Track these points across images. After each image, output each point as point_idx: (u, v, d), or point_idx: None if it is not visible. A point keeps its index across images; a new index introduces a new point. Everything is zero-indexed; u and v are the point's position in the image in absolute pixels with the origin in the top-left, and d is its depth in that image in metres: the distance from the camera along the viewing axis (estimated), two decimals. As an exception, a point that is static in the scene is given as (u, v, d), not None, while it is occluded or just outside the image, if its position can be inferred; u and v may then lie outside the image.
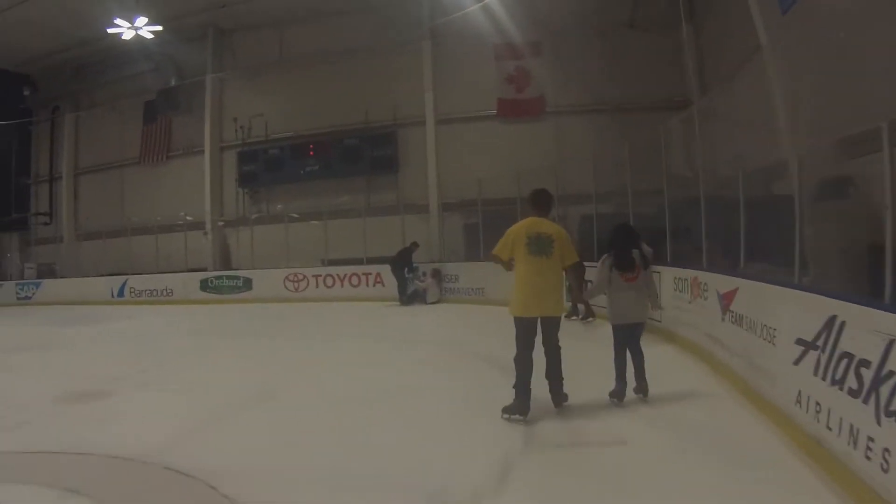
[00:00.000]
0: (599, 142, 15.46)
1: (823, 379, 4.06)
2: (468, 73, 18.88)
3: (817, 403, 4.16)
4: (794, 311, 4.77)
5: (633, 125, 14.64)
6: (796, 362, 4.51)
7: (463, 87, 18.96)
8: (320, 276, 18.34)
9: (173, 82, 22.31)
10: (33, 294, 23.40)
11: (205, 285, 19.82)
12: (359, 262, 18.25)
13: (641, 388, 5.80)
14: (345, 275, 18.05)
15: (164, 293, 20.52)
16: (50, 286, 23.32)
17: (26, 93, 25.94)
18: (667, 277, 8.96)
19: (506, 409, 5.31)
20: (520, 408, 5.28)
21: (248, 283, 19.27)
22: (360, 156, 19.54)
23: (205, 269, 20.82)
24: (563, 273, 5.62)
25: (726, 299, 6.53)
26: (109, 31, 18.18)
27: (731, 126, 10.49)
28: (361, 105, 19.77)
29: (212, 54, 21.80)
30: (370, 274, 17.73)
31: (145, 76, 22.96)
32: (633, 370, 5.76)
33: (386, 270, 16.63)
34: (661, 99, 16.86)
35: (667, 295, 8.75)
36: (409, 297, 16.11)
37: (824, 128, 7.98)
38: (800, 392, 4.47)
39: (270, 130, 21.15)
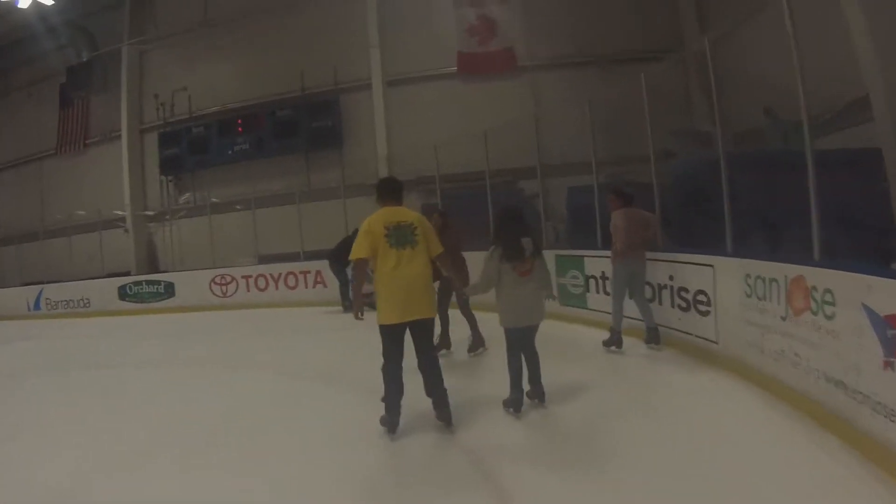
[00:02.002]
0: (583, 99, 12.57)
1: None
2: (421, 24, 15.68)
3: None
4: None
5: (622, 78, 11.61)
6: None
7: (416, 41, 15.80)
8: (251, 276, 15.26)
9: (85, 57, 19.10)
10: (-55, 309, 20.44)
11: (123, 293, 16.79)
12: (296, 257, 15.15)
13: (537, 392, 5.37)
14: (279, 274, 14.95)
15: (82, 303, 17.52)
16: (-38, 299, 20.38)
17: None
18: (730, 272, 5.88)
19: (383, 420, 4.93)
20: (391, 423, 4.88)
21: (170, 289, 16.22)
22: (296, 129, 16.40)
23: (128, 273, 17.78)
24: (431, 266, 5.00)
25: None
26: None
27: (767, 60, 7.58)
28: (296, 69, 16.69)
29: (129, 23, 18.74)
30: (309, 272, 14.64)
31: (60, 54, 19.89)
32: (527, 374, 5.31)
33: (327, 267, 13.46)
34: (655, 48, 13.73)
35: (731, 300, 5.83)
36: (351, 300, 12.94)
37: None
38: None
39: (195, 106, 18.01)
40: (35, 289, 18.56)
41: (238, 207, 16.70)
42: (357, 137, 16.27)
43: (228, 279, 15.42)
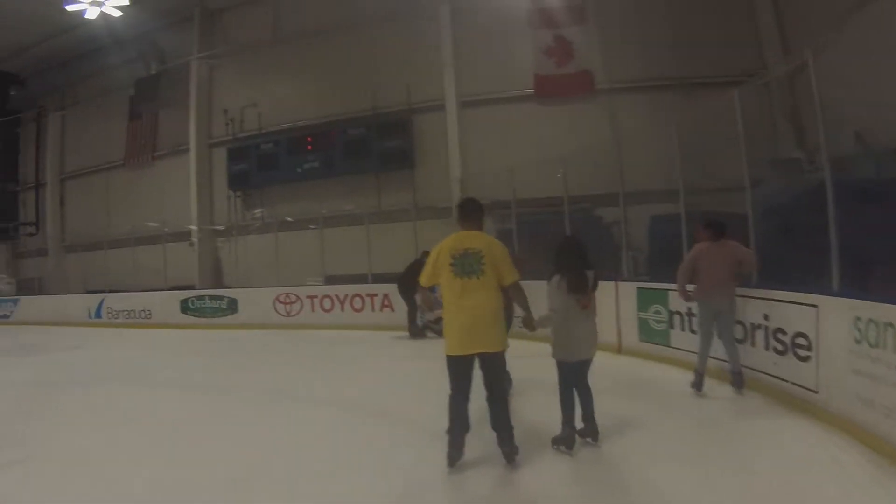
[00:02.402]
0: (662, 124, 12.04)
1: None
2: (497, 44, 15.21)
3: None
4: None
5: (702, 103, 11.15)
6: None
7: (491, 61, 15.33)
8: (316, 296, 14.88)
9: (153, 70, 19.22)
10: (11, 313, 20.63)
11: (185, 307, 16.60)
12: (363, 279, 14.76)
13: (590, 430, 5.10)
14: (346, 296, 14.54)
15: (143, 315, 17.41)
16: (28, 304, 20.60)
17: (12, 92, 23.47)
18: (836, 313, 5.21)
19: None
20: (450, 457, 4.62)
21: (232, 305, 15.97)
22: (367, 149, 16.07)
23: (192, 287, 17.63)
24: (502, 296, 4.78)
25: None
26: (68, 7, 15.14)
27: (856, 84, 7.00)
28: (368, 87, 16.40)
29: (198, 37, 18.80)
30: (376, 295, 14.20)
31: (130, 67, 20.11)
32: (580, 411, 5.06)
33: (395, 291, 13.01)
34: (737, 72, 12.88)
35: (836, 345, 5.17)
36: (419, 326, 12.50)
37: None
38: None
39: (264, 123, 17.89)
40: (97, 297, 18.57)
41: (311, 227, 16.38)
42: (429, 159, 15.88)
43: (293, 298, 15.10)
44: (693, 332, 7.64)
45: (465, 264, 4.65)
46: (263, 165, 17.29)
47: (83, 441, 5.92)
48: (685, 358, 7.79)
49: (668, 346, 8.40)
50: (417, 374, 8.61)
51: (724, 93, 10.89)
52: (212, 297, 16.34)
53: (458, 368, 4.64)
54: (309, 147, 16.73)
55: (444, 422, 4.69)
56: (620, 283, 9.54)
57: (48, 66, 22.03)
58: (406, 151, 15.85)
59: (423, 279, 4.85)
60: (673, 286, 7.99)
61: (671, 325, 8.36)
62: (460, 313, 4.62)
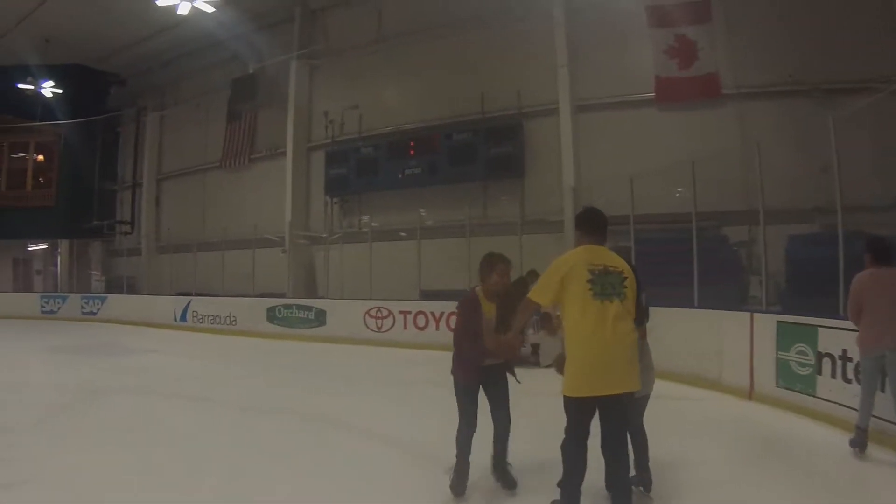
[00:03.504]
0: (795, 133, 11.04)
1: None
2: (614, 45, 13.66)
3: None
4: None
5: (838, 110, 9.36)
6: None
7: (607, 63, 13.76)
8: (409, 312, 13.59)
9: (251, 70, 18.66)
10: (98, 310, 20.52)
11: (272, 315, 15.70)
12: (461, 296, 13.35)
13: (644, 479, 4.46)
14: (441, 313, 13.14)
15: (228, 321, 16.68)
16: (115, 303, 20.54)
17: (113, 92, 23.70)
18: None
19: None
20: None
21: (321, 317, 14.92)
22: (473, 155, 14.77)
23: (282, 295, 16.74)
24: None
25: None
26: (158, 2, 14.58)
27: None
28: (476, 90, 15.14)
29: (298, 37, 18.06)
30: (476, 314, 12.75)
31: (229, 68, 19.68)
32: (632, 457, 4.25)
33: (495, 311, 11.48)
34: (878, 77, 10.94)
35: None
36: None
37: None
38: None
39: (365, 126, 16.93)
40: (184, 300, 18.05)
41: (403, 235, 15.26)
42: (540, 167, 14.42)
43: (385, 313, 13.88)
44: (847, 380, 6.20)
45: (607, 284, 3.82)
46: (363, 171, 16.28)
47: (82, 463, 5.27)
48: (834, 412, 6.32)
49: (813, 396, 6.72)
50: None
51: (864, 98, 9.31)
52: (299, 307, 15.37)
53: (587, 412, 3.83)
54: (412, 152, 15.60)
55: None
56: (757, 316, 7.93)
57: (149, 66, 22.10)
58: (515, 158, 14.45)
59: (544, 296, 3.93)
60: (825, 322, 6.60)
61: (818, 370, 6.66)
62: (597, 345, 3.75)
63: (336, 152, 17.08)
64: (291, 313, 15.42)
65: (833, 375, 6.42)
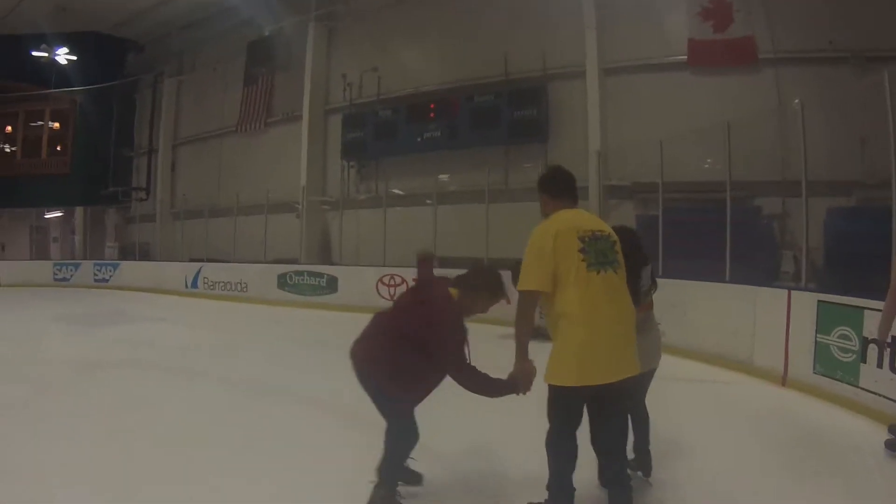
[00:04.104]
0: (834, 102, 10.21)
1: None
2: (645, 5, 12.84)
3: None
4: None
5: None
6: None
7: (638, 24, 12.93)
8: (422, 280, 12.99)
9: (267, 33, 18.09)
10: (110, 277, 20.19)
11: (283, 282, 15.21)
12: (478, 264, 12.72)
13: (643, 462, 4.01)
14: (455, 281, 12.54)
15: (239, 287, 16.25)
16: (128, 269, 20.23)
17: (130, 58, 23.29)
18: None
19: None
20: None
21: (332, 284, 14.40)
22: (496, 118, 14.07)
23: (295, 261, 16.22)
24: None
25: None
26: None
27: None
28: (499, 52, 14.39)
29: (315, -2, 17.37)
30: (492, 283, 12.12)
31: (247, 32, 19.11)
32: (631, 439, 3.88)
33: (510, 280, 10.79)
34: None
35: None
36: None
37: None
38: None
39: (384, 89, 16.28)
40: (195, 266, 17.65)
41: (428, 202, 14.57)
42: (564, 132, 13.67)
43: (398, 280, 13.30)
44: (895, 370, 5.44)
45: (600, 252, 3.22)
46: (381, 134, 15.67)
47: (45, 455, 4.50)
48: (878, 405, 5.56)
49: (855, 386, 5.92)
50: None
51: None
52: (311, 274, 14.86)
53: (578, 403, 3.27)
54: (431, 115, 14.95)
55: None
56: (795, 293, 7.08)
57: (166, 31, 21.55)
58: (539, 122, 13.72)
59: (542, 280, 3.16)
60: (872, 303, 5.65)
61: (863, 358, 5.84)
62: (601, 324, 3.14)
63: (353, 115, 16.48)
64: (303, 280, 14.91)
65: (879, 364, 5.63)
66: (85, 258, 22.23)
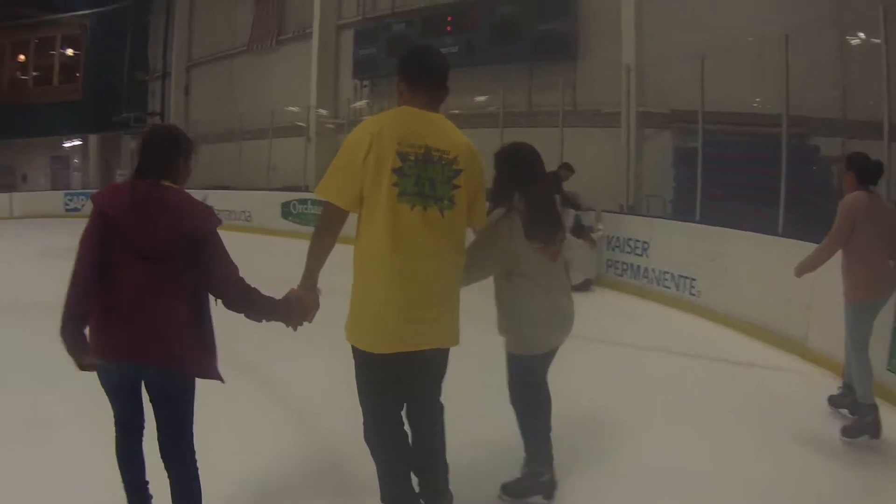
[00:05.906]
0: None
1: None
2: None
3: None
4: None
5: None
6: None
7: None
8: (428, 210, 11.85)
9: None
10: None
11: (286, 211, 14.25)
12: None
13: (540, 482, 2.99)
14: (467, 212, 11.37)
15: (243, 216, 15.33)
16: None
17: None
18: None
19: None
20: None
21: (338, 212, 13.34)
22: (518, 32, 12.62)
23: (306, 188, 15.22)
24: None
25: None
26: None
27: None
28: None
29: None
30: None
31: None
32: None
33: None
34: None
35: None
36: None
37: None
38: None
39: (399, 1, 14.80)
40: (199, 194, 16.54)
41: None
42: (596, 49, 12.05)
43: (404, 210, 12.18)
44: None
45: (426, 180, 2.38)
46: (394, 50, 14.30)
47: None
48: None
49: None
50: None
51: None
52: (315, 203, 13.83)
53: (389, 374, 2.49)
54: (448, 28, 13.59)
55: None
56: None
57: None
58: (567, 37, 12.18)
59: (337, 192, 2.45)
60: None
61: None
62: (404, 276, 2.39)
63: (366, 30, 15.24)
64: (307, 209, 13.95)
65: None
66: (98, 187, 21.52)
